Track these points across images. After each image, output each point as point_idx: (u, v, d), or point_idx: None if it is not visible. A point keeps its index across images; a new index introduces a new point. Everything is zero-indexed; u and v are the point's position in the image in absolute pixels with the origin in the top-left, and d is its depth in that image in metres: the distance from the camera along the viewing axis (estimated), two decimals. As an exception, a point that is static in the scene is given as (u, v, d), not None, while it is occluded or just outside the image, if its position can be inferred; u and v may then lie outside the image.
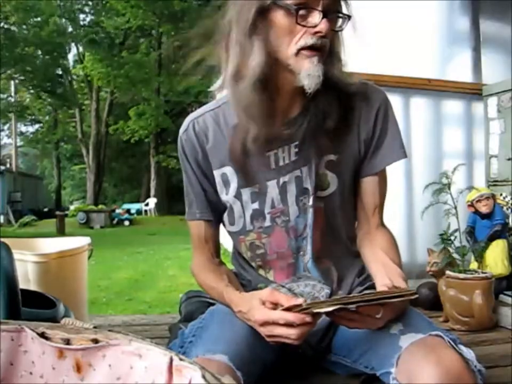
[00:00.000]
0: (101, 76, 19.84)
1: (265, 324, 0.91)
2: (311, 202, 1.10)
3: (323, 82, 0.98)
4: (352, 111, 1.09)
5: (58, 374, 0.60)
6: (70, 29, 21.83)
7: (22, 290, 1.22)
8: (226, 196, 1.13)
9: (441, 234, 1.89)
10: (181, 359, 0.55)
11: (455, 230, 1.86)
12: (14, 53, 18.60)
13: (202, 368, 0.53)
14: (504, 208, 2.41)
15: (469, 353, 0.93)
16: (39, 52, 20.57)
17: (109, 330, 0.60)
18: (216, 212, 1.16)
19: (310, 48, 0.96)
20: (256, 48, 0.97)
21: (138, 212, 19.24)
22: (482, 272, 1.88)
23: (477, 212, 2.14)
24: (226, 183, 1.12)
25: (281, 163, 1.09)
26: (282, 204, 1.10)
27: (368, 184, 1.15)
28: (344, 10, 1.00)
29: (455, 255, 1.87)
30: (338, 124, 1.05)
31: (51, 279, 1.70)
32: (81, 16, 22.51)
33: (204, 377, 0.51)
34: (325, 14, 0.94)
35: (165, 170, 23.26)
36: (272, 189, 1.10)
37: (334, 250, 1.16)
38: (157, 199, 20.32)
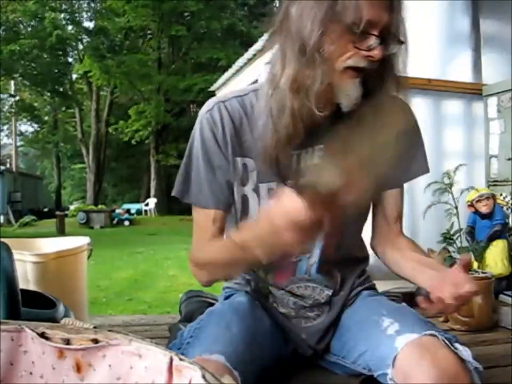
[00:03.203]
0: (101, 75, 19.85)
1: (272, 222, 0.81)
2: None
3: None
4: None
5: (58, 374, 0.60)
6: (70, 28, 21.83)
7: (22, 290, 1.22)
8: (244, 188, 1.10)
9: (443, 233, 1.90)
10: (181, 359, 0.55)
11: (459, 230, 1.86)
12: (16, 52, 18.66)
13: (202, 368, 0.53)
14: (504, 208, 2.41)
15: (465, 351, 0.93)
16: (41, 52, 20.57)
17: (109, 330, 0.60)
18: (226, 197, 1.10)
19: (356, 68, 0.94)
20: (318, 62, 0.94)
21: (138, 212, 19.24)
22: (482, 272, 1.88)
23: (477, 212, 2.14)
24: (245, 174, 1.09)
25: (302, 164, 1.07)
26: None
27: (392, 195, 1.17)
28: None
29: (456, 255, 1.88)
30: (365, 133, 1.04)
31: (50, 279, 1.70)
32: (83, 16, 22.50)
33: (203, 377, 0.51)
34: (381, 40, 0.92)
35: (165, 170, 23.27)
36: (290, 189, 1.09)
37: (342, 256, 1.16)
38: (157, 199, 20.32)
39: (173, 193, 1.13)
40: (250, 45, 8.99)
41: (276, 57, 1.00)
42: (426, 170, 1.17)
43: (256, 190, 1.09)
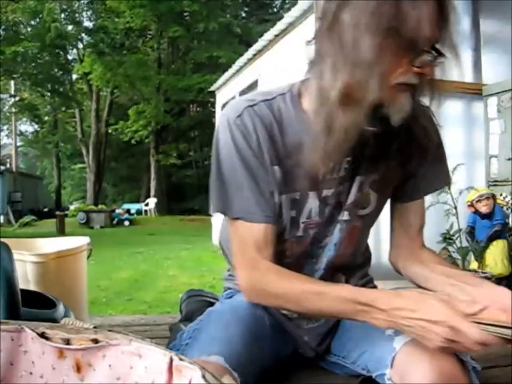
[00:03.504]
0: (101, 76, 19.86)
1: (450, 328, 0.79)
2: (340, 217, 1.07)
3: None
4: (409, 135, 1.02)
5: (58, 374, 0.60)
6: (70, 28, 21.86)
7: (22, 290, 1.22)
8: (281, 196, 1.03)
9: (443, 234, 1.90)
10: (181, 359, 0.55)
11: (459, 230, 1.86)
12: (16, 52, 18.70)
13: (203, 368, 0.53)
14: (504, 208, 2.41)
15: None
16: (42, 50, 20.61)
17: (109, 330, 0.60)
18: (273, 209, 1.02)
19: (407, 84, 0.91)
20: (376, 76, 0.88)
21: (138, 212, 19.24)
22: (482, 272, 1.88)
23: (477, 212, 2.14)
24: (279, 183, 1.03)
25: (328, 176, 1.02)
26: (319, 217, 1.06)
27: (414, 207, 1.14)
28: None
29: (455, 255, 1.88)
30: (394, 146, 1.00)
31: (50, 279, 1.70)
32: (83, 16, 22.52)
33: (204, 377, 0.51)
34: (434, 57, 0.89)
35: (165, 170, 23.28)
36: (312, 200, 1.04)
37: (349, 263, 1.16)
38: (157, 199, 20.32)
39: (214, 211, 1.03)
40: (249, 43, 8.98)
41: (322, 66, 0.92)
42: (449, 182, 1.16)
43: (280, 200, 1.04)
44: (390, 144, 1.00)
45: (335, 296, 0.91)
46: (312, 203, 1.05)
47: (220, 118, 1.04)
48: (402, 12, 0.84)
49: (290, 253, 1.10)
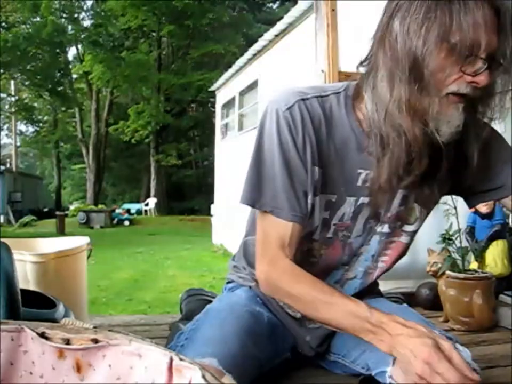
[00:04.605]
0: (101, 76, 19.86)
1: (428, 365, 0.78)
2: (379, 229, 1.07)
3: None
4: (461, 151, 0.97)
5: (58, 374, 0.60)
6: (70, 28, 21.86)
7: (22, 290, 1.22)
8: (315, 198, 1.01)
9: (442, 234, 1.89)
10: (181, 359, 0.55)
11: (459, 230, 1.86)
12: (15, 51, 18.69)
13: (203, 368, 0.53)
14: (504, 208, 2.41)
15: (464, 352, 0.93)
16: (41, 51, 20.61)
17: (109, 330, 0.60)
18: (304, 210, 0.98)
19: (458, 94, 0.87)
20: (430, 85, 0.86)
21: (138, 212, 19.25)
22: (482, 272, 1.88)
23: (477, 212, 2.14)
24: (317, 183, 1.00)
25: (367, 184, 1.01)
26: (351, 221, 1.05)
27: None
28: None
29: (455, 255, 1.88)
30: (444, 162, 0.95)
31: (50, 279, 1.70)
32: (82, 15, 22.52)
33: (204, 377, 0.51)
34: (489, 65, 0.85)
35: (165, 170, 23.28)
36: (348, 205, 1.03)
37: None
38: (157, 199, 20.33)
39: (243, 201, 1.00)
40: (249, 39, 8.99)
41: (377, 77, 0.91)
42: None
43: (315, 201, 1.02)
44: (440, 159, 0.93)
45: (347, 311, 0.88)
46: (347, 207, 1.03)
47: (268, 105, 1.00)
48: (454, 17, 0.82)
49: (318, 253, 1.09)
